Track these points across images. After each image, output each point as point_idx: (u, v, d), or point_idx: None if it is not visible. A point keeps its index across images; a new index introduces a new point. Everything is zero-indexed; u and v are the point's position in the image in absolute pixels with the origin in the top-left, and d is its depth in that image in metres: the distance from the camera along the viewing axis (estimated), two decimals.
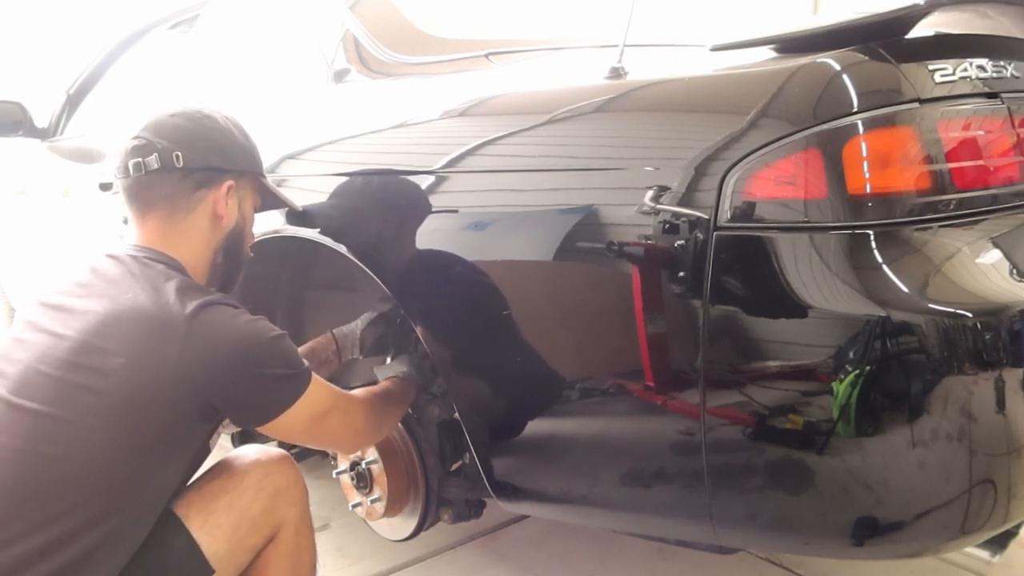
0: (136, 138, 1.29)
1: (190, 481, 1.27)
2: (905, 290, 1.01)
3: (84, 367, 1.11)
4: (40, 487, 1.09)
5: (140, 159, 1.27)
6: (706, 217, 1.06)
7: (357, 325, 1.64)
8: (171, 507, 1.21)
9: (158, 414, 1.12)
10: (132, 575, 1.14)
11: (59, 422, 1.10)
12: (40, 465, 1.10)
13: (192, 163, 1.28)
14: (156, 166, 1.26)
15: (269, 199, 1.47)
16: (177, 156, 1.26)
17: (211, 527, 1.20)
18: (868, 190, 1.02)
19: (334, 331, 1.63)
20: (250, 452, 1.31)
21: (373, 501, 1.65)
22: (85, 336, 1.13)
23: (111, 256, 1.25)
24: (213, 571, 1.20)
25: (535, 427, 1.33)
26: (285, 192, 1.53)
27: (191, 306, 1.13)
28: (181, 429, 1.16)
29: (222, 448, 1.88)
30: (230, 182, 1.32)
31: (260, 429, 1.23)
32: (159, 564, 1.16)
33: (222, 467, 1.28)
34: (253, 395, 1.18)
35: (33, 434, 1.10)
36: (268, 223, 1.71)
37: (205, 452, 1.29)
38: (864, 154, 1.02)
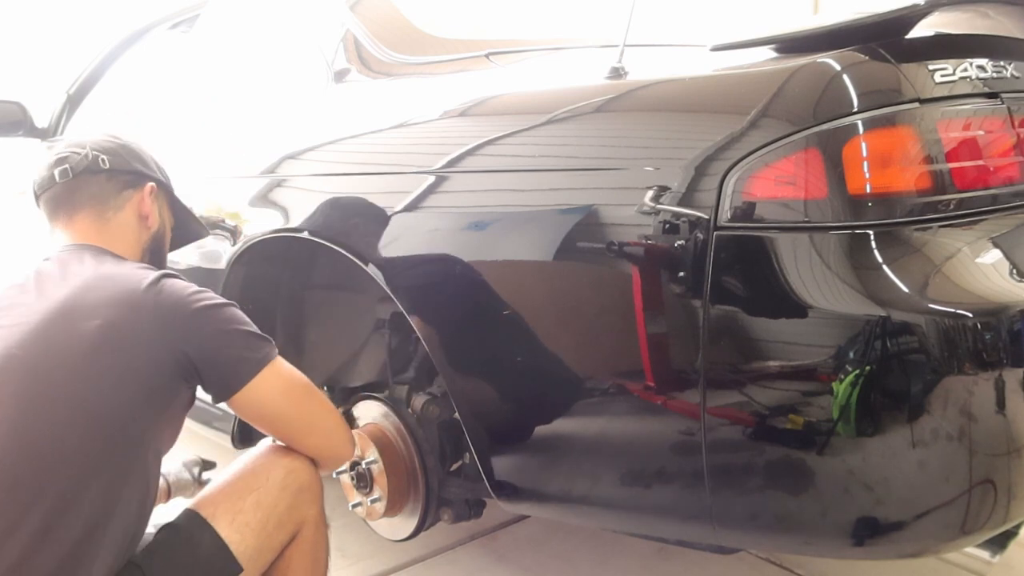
0: (58, 154, 1.36)
1: (212, 481, 1.28)
2: (905, 290, 1.01)
3: (60, 333, 1.13)
4: (35, 462, 1.09)
5: (67, 166, 1.33)
6: (706, 217, 1.06)
7: (187, 471, 1.59)
8: (195, 508, 1.22)
9: (139, 366, 1.14)
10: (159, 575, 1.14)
11: (44, 390, 1.11)
12: (34, 440, 1.10)
13: (117, 166, 1.36)
14: (82, 169, 1.33)
15: (181, 217, 1.53)
16: (103, 160, 1.35)
17: (239, 525, 1.21)
18: (868, 190, 1.02)
19: (164, 473, 1.54)
20: (270, 451, 1.31)
21: (373, 501, 1.65)
22: (52, 313, 1.15)
23: (47, 259, 1.28)
24: (242, 569, 1.20)
25: (535, 427, 1.33)
26: (287, 193, 1.53)
27: (153, 275, 1.20)
28: (161, 383, 1.16)
29: (223, 449, 1.88)
30: (152, 184, 1.41)
31: (239, 406, 1.23)
32: (188, 564, 1.17)
33: (244, 466, 1.29)
34: (225, 346, 1.20)
35: (21, 406, 1.11)
36: (268, 223, 1.72)
37: (179, 425, 1.28)
38: (864, 154, 1.02)
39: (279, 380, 1.24)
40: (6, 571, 1.05)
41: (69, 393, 1.11)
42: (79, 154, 1.34)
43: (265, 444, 1.34)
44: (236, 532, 1.20)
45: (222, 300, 1.23)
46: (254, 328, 1.24)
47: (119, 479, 1.13)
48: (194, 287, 1.22)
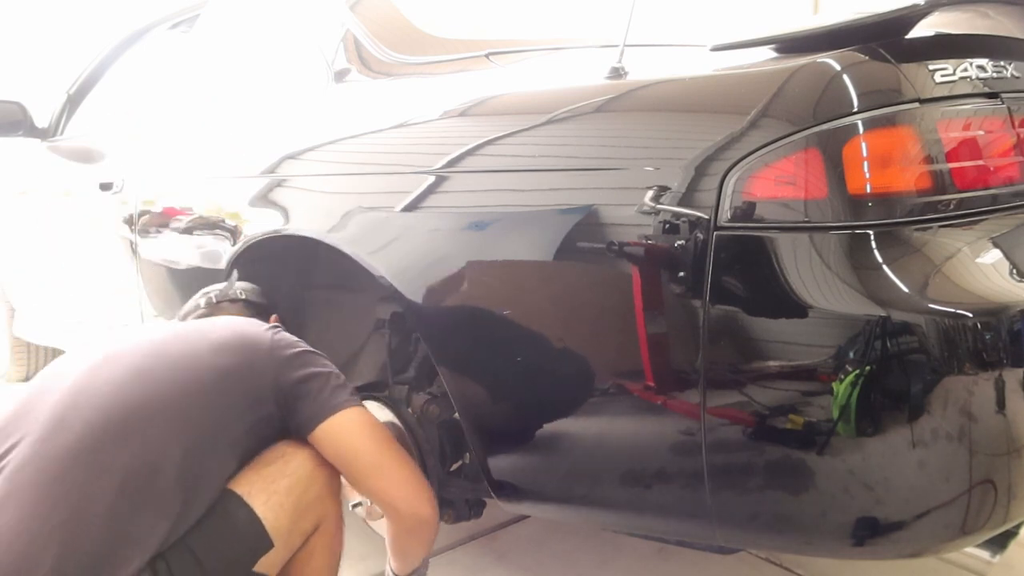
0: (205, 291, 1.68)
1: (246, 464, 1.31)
2: (905, 290, 1.01)
3: (193, 333, 1.37)
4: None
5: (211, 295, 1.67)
6: (706, 217, 1.06)
7: None
8: (231, 487, 1.25)
9: (246, 375, 1.31)
10: (196, 545, 1.17)
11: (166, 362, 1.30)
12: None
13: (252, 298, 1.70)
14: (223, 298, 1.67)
15: None
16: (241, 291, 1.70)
17: (274, 505, 1.25)
18: (868, 190, 1.02)
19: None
20: (302, 443, 1.35)
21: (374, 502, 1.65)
22: (187, 326, 1.42)
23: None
24: (273, 545, 1.23)
25: (535, 427, 1.33)
26: (286, 193, 1.54)
27: (269, 325, 1.43)
28: (258, 407, 1.30)
29: None
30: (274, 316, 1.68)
31: (319, 440, 1.32)
32: (223, 535, 1.20)
33: (276, 453, 1.32)
34: (317, 382, 1.34)
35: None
36: (268, 223, 1.72)
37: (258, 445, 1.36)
38: (864, 154, 1.02)
39: (356, 423, 1.34)
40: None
41: (187, 365, 1.28)
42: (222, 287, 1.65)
43: (291, 441, 1.37)
44: (271, 511, 1.24)
45: (319, 353, 1.40)
46: (341, 377, 1.39)
47: (205, 446, 1.23)
48: (299, 340, 1.41)
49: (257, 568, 1.23)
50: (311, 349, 1.39)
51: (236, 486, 1.25)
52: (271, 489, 1.26)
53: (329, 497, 1.34)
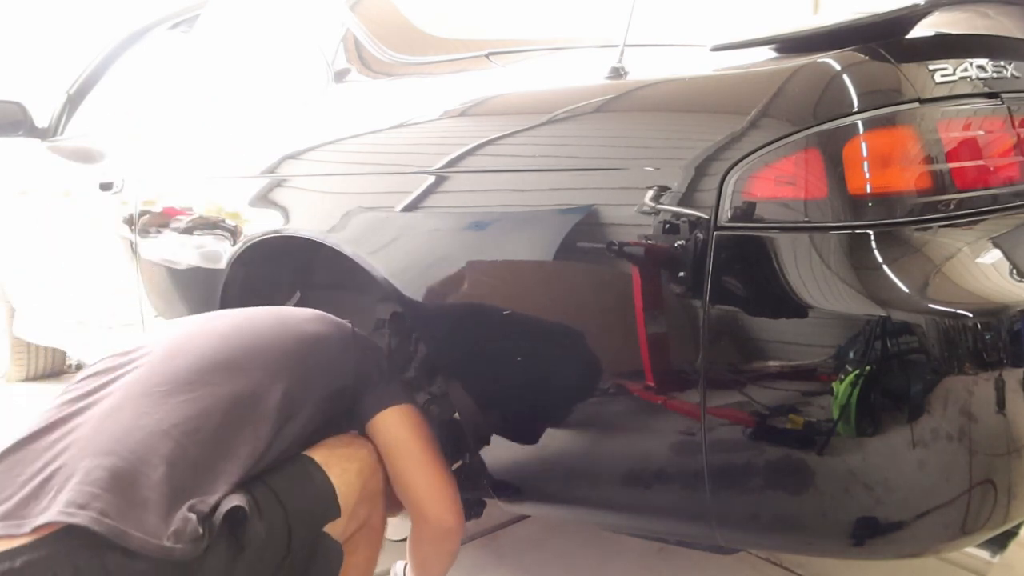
0: None
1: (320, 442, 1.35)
2: (905, 290, 1.01)
3: (285, 312, 1.47)
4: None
5: None
6: (706, 217, 1.06)
7: None
8: (309, 453, 1.29)
9: (336, 353, 1.39)
10: (279, 488, 1.20)
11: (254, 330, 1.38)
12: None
13: None
14: None
15: None
16: None
17: (346, 482, 1.28)
18: (868, 190, 1.02)
19: None
20: (364, 439, 1.40)
21: None
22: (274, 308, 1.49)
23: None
24: (340, 515, 1.26)
25: (535, 427, 1.33)
26: (287, 193, 1.55)
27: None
28: (339, 376, 1.38)
29: None
30: None
31: (374, 430, 1.39)
32: (301, 490, 1.23)
33: (347, 439, 1.38)
34: (388, 373, 1.44)
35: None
36: (268, 223, 1.72)
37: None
38: (864, 154, 1.02)
39: (414, 418, 1.42)
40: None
41: (283, 327, 1.38)
42: None
43: (358, 434, 1.41)
44: (344, 485, 1.28)
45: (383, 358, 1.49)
46: (403, 382, 1.49)
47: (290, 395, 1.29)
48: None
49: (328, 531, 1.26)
50: (377, 344, 1.50)
51: (313, 454, 1.29)
52: (343, 466, 1.30)
53: (381, 496, 1.39)
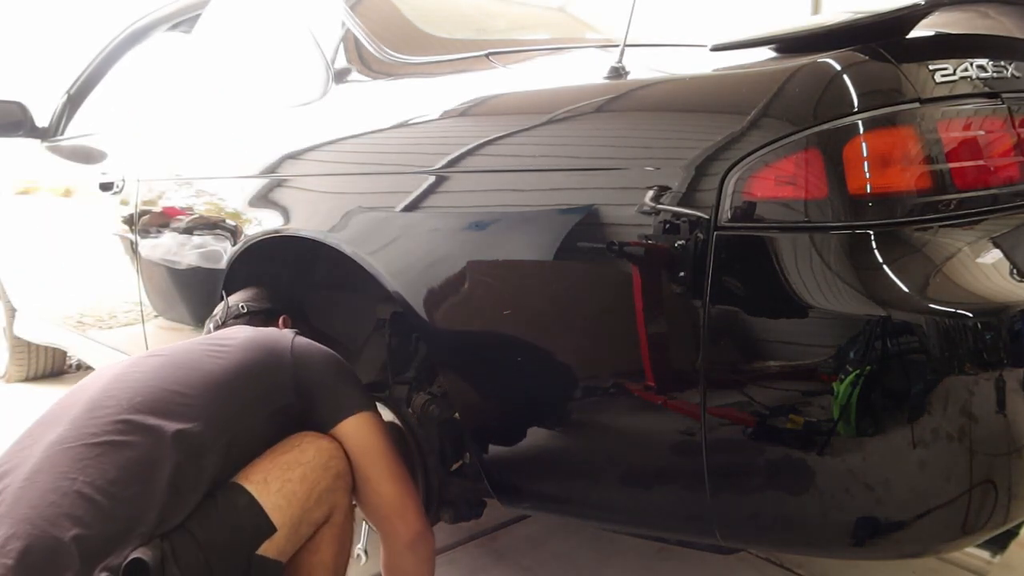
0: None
1: (261, 455, 1.35)
2: (905, 290, 1.01)
3: (220, 338, 1.44)
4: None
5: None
6: (706, 217, 1.06)
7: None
8: (239, 480, 1.29)
9: (267, 377, 1.39)
10: (196, 528, 1.19)
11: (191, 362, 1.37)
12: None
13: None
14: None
15: None
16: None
17: (287, 493, 1.28)
18: (869, 190, 1.02)
19: None
20: (314, 436, 1.39)
21: None
22: (213, 336, 1.48)
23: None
24: (275, 529, 1.26)
25: (535, 427, 1.33)
26: (287, 193, 1.55)
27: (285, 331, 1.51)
28: (278, 397, 1.38)
29: None
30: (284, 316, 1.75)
31: (342, 435, 1.39)
32: (223, 520, 1.23)
33: (290, 444, 1.36)
34: (338, 381, 1.43)
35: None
36: (268, 223, 1.72)
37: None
38: (864, 154, 1.02)
39: (374, 427, 1.43)
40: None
41: (213, 361, 1.36)
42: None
43: (307, 432, 1.41)
44: (284, 499, 1.28)
45: (342, 361, 1.48)
46: (358, 379, 1.49)
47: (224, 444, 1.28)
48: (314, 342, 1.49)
49: (262, 552, 1.25)
50: (328, 350, 1.46)
51: (252, 473, 1.29)
52: (285, 477, 1.29)
53: (341, 490, 1.37)
